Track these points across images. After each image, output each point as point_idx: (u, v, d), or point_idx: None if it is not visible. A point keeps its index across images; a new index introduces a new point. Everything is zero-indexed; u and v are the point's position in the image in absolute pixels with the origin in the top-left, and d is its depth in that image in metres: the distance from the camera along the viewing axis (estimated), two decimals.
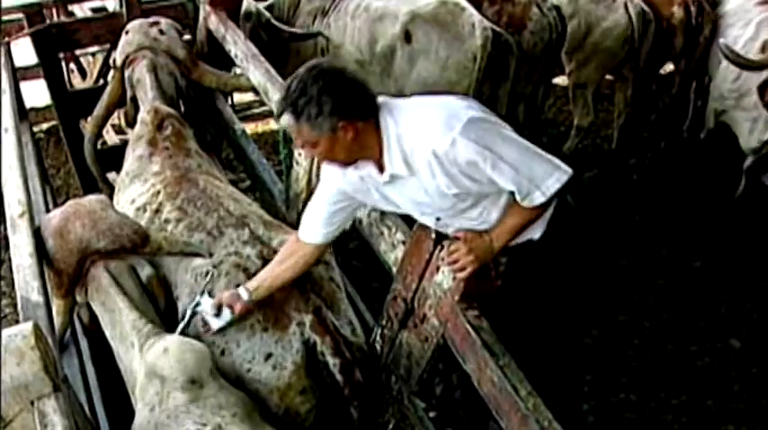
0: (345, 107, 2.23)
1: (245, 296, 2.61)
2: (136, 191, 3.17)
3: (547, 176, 2.29)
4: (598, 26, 4.83)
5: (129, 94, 3.83)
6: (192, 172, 3.18)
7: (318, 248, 2.67)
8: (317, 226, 2.62)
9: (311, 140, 2.29)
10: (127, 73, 3.81)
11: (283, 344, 2.60)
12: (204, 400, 2.29)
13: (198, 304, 2.64)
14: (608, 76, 5.34)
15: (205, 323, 2.63)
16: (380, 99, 2.35)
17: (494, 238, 2.42)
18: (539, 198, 2.32)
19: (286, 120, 2.27)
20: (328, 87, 2.21)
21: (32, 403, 2.00)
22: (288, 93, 2.25)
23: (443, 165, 2.27)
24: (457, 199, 2.38)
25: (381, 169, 2.39)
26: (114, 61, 3.94)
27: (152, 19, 4.00)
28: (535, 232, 2.56)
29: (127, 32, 3.89)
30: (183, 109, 3.90)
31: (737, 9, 4.80)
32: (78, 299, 2.67)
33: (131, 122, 3.86)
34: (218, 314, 2.60)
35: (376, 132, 2.32)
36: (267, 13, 4.51)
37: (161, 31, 3.90)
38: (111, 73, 3.99)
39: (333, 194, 2.56)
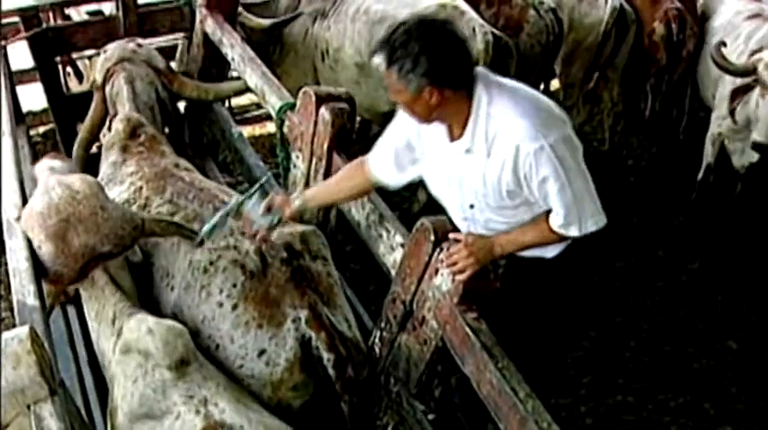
0: (439, 73, 2.21)
1: (297, 202, 2.70)
2: (114, 193, 3.13)
3: (590, 216, 2.35)
4: (581, 23, 4.83)
5: (111, 112, 3.80)
6: (170, 169, 3.18)
7: (377, 184, 2.70)
8: (388, 163, 2.62)
9: (395, 88, 2.28)
10: (107, 89, 3.80)
11: (277, 341, 2.61)
12: (190, 375, 2.33)
13: (243, 203, 2.69)
14: None
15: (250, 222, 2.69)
16: (480, 70, 2.34)
17: (497, 244, 2.41)
18: (573, 231, 2.37)
19: (379, 60, 2.27)
20: (430, 49, 2.19)
21: (29, 407, 1.99)
22: (390, 37, 2.24)
23: (518, 164, 2.28)
24: (507, 196, 2.40)
25: (452, 137, 2.40)
26: (94, 82, 3.91)
27: (126, 39, 4.04)
28: (549, 252, 2.57)
29: (105, 52, 3.91)
30: (161, 119, 3.85)
31: (726, 24, 4.79)
32: (70, 288, 2.64)
33: None
34: (264, 216, 2.67)
35: (466, 103, 2.31)
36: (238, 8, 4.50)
37: (138, 44, 3.95)
38: (94, 95, 3.94)
39: (404, 130, 2.54)
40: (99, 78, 3.85)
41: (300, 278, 2.71)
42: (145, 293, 2.75)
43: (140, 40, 4.02)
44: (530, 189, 2.34)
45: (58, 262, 2.49)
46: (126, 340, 2.37)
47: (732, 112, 4.36)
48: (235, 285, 2.65)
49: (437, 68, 2.20)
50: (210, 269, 2.68)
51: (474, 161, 2.39)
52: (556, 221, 2.37)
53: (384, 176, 2.66)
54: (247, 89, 4.14)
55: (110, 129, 3.84)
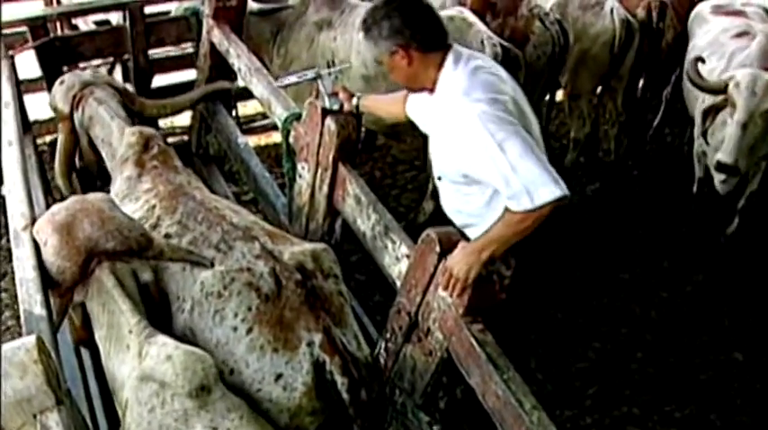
0: (403, 34, 2.41)
1: (354, 100, 3.05)
2: (128, 210, 3.10)
3: (541, 185, 2.28)
4: (586, 33, 4.82)
5: (84, 139, 3.77)
6: (185, 187, 3.17)
7: (408, 119, 2.97)
8: (416, 107, 2.86)
9: (376, 57, 2.60)
10: (77, 117, 3.75)
11: (293, 365, 2.57)
12: (213, 405, 2.28)
13: (320, 76, 3.09)
14: None
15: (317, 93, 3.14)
16: (459, 48, 2.54)
17: (479, 251, 2.37)
18: (525, 203, 2.29)
19: (361, 34, 2.54)
20: (394, 13, 2.42)
21: (35, 416, 2.00)
22: (368, 11, 2.51)
23: (455, 128, 2.42)
24: (456, 168, 2.56)
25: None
26: (59, 113, 3.84)
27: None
28: None
29: (62, 82, 3.86)
30: None
31: (713, 41, 4.72)
32: (76, 298, 2.59)
33: (94, 172, 3.82)
34: (330, 97, 3.07)
35: (435, 68, 2.50)
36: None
37: (94, 69, 3.99)
38: (60, 126, 3.89)
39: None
40: (65, 108, 3.77)
41: (314, 300, 2.67)
42: (152, 317, 2.71)
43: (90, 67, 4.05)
44: (469, 158, 2.45)
45: (61, 254, 2.50)
46: (144, 367, 2.31)
47: (704, 134, 4.28)
48: (250, 308, 2.62)
49: (401, 29, 2.41)
50: (225, 293, 2.65)
51: (434, 125, 2.60)
52: (505, 199, 2.35)
53: (413, 116, 2.91)
54: (199, 100, 4.35)
55: (81, 157, 3.90)
